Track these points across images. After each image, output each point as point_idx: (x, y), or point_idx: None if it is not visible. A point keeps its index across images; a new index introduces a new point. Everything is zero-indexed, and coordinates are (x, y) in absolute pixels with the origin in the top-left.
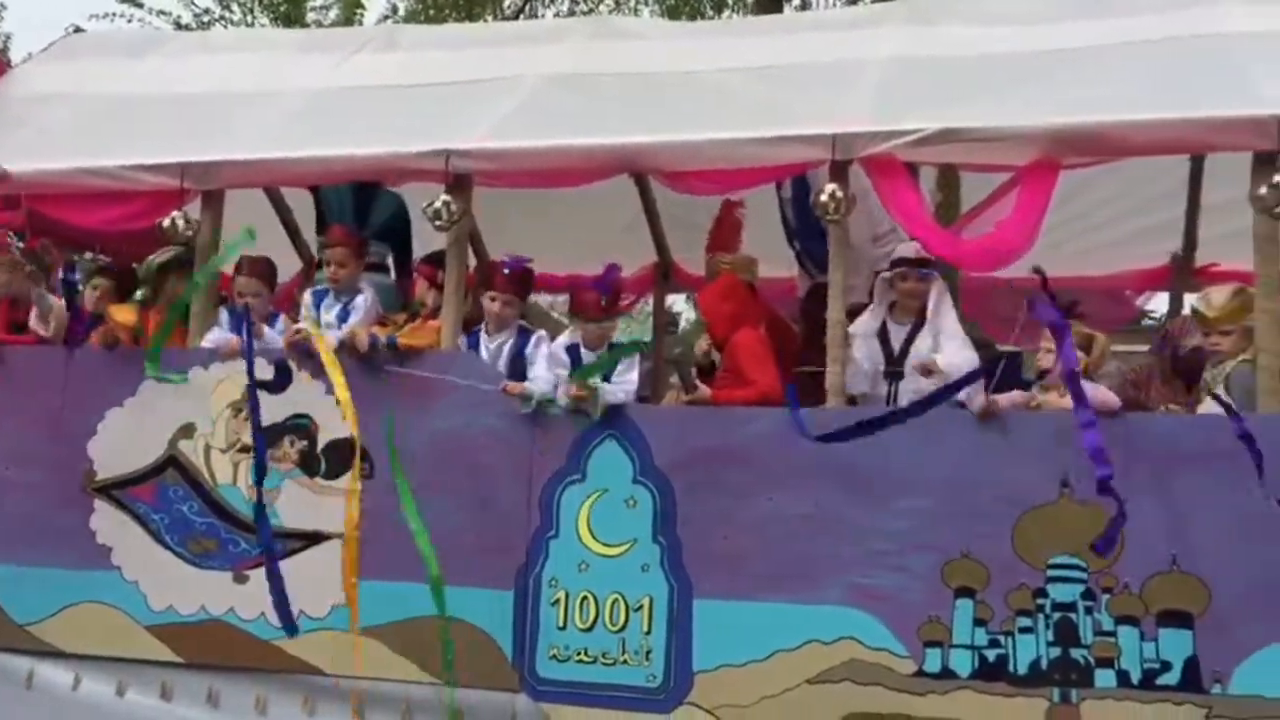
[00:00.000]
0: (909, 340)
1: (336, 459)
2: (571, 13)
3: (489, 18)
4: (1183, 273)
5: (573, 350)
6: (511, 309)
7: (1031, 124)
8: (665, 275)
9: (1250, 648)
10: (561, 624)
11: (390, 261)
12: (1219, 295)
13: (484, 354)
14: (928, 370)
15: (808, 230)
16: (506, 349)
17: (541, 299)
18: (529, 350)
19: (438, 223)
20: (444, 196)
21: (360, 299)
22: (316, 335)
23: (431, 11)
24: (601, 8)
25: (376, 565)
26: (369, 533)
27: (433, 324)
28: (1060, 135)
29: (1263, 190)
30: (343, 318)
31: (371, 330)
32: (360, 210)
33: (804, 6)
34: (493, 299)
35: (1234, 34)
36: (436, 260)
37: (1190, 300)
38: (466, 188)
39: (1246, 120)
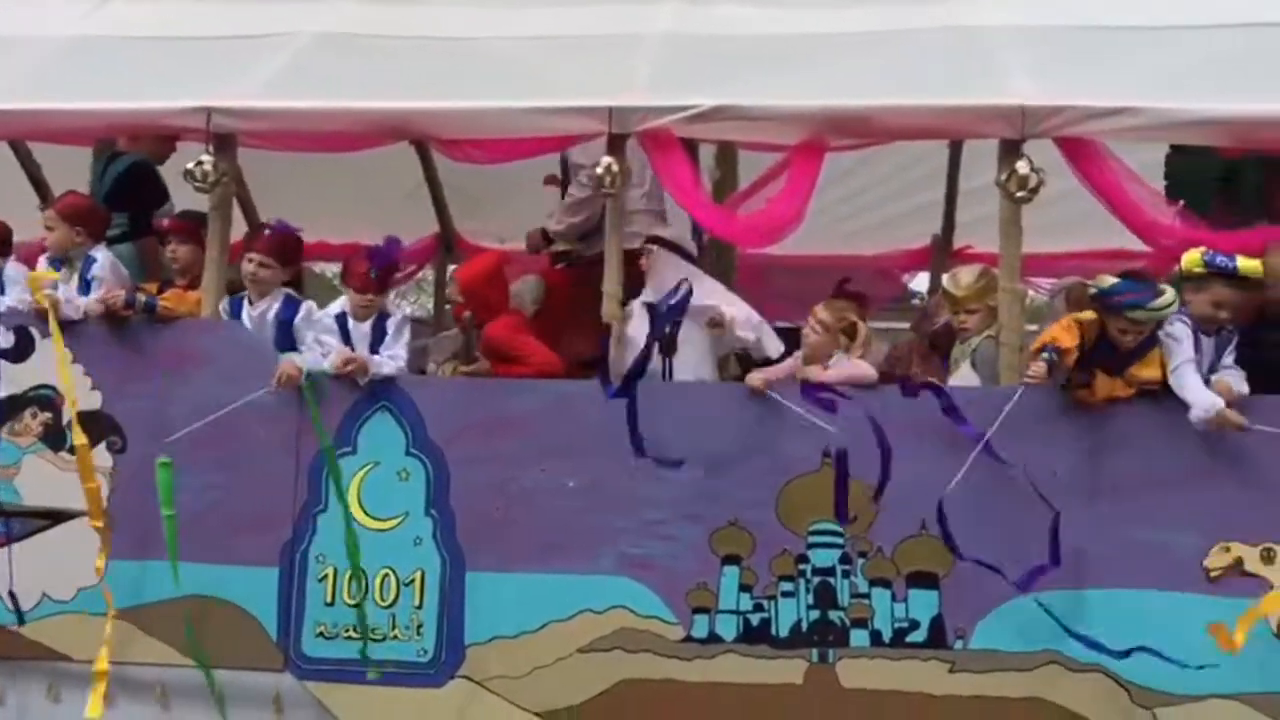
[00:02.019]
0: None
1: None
2: None
3: None
4: (942, 254)
5: (341, 319)
6: (267, 271)
7: (800, 104)
8: (448, 246)
9: (988, 605)
10: (329, 600)
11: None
12: (966, 276)
13: (246, 321)
14: (716, 322)
15: None
16: (271, 317)
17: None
18: (298, 321)
19: (196, 184)
20: (205, 156)
21: (96, 266)
22: (57, 301)
23: None
24: None
25: (130, 544)
26: (121, 510)
27: (192, 295)
28: (827, 116)
29: (1007, 176)
30: (84, 289)
31: (131, 291)
32: (102, 176)
33: None
34: (250, 259)
35: (988, 27)
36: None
37: (944, 280)
38: (230, 148)
39: (993, 109)
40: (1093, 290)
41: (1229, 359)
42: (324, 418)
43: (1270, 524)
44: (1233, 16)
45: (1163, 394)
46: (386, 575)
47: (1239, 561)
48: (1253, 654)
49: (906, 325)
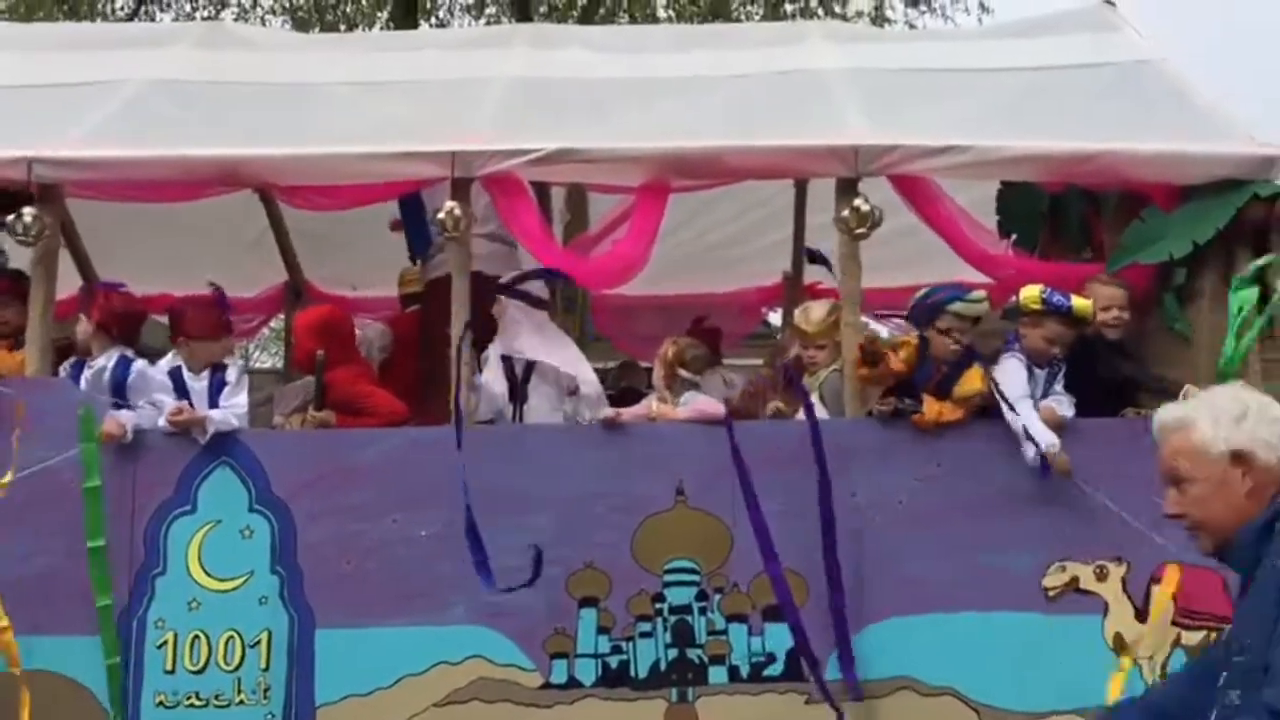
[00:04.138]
0: (530, 365)
1: None
2: (191, 18)
3: (97, 20)
4: (794, 290)
5: (175, 374)
6: (94, 333)
7: (641, 146)
8: (297, 294)
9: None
10: (170, 668)
11: None
12: (817, 311)
13: (84, 381)
14: (571, 390)
15: None
16: (106, 376)
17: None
18: (130, 381)
19: (18, 238)
20: (26, 209)
21: None
22: None
23: (23, 9)
24: (225, 14)
25: None
26: None
27: (17, 354)
28: (668, 158)
29: (845, 213)
30: None
31: None
32: None
33: (441, 26)
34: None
35: (823, 70)
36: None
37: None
38: (55, 199)
39: (829, 149)
40: (910, 306)
41: (1058, 386)
42: (159, 477)
43: (1101, 542)
44: (1037, 60)
45: (997, 420)
46: (231, 638)
47: (1075, 580)
48: (1089, 670)
49: (758, 362)
